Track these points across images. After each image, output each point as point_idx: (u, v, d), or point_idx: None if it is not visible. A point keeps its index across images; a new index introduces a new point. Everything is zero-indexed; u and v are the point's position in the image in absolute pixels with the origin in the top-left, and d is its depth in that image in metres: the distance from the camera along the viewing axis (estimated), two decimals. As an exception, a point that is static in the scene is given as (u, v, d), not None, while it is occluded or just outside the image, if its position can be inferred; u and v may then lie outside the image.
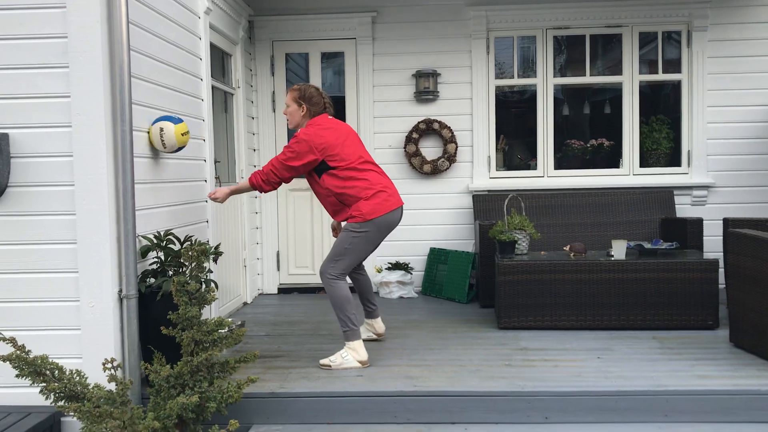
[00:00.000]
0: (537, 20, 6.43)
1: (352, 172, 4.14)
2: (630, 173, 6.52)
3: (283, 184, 4.26)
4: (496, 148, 6.60)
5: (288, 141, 6.67)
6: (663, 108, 6.67)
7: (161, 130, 3.98)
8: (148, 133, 4.02)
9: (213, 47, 5.41)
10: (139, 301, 3.65)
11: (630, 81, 6.47)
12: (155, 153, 4.10)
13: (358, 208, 4.13)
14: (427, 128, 6.45)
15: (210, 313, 4.88)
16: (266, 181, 4.19)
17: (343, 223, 4.44)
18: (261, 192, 4.28)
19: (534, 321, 4.93)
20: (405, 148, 6.47)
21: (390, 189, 4.24)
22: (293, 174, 4.18)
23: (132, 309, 3.60)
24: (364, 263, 4.64)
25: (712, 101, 6.38)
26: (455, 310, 5.76)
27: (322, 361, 4.16)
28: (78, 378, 3.13)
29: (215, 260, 4.66)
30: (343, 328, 4.19)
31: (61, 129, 3.55)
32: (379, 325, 4.73)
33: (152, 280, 3.82)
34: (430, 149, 6.53)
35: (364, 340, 4.63)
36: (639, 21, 6.41)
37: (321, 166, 4.15)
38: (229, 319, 4.32)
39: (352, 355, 4.14)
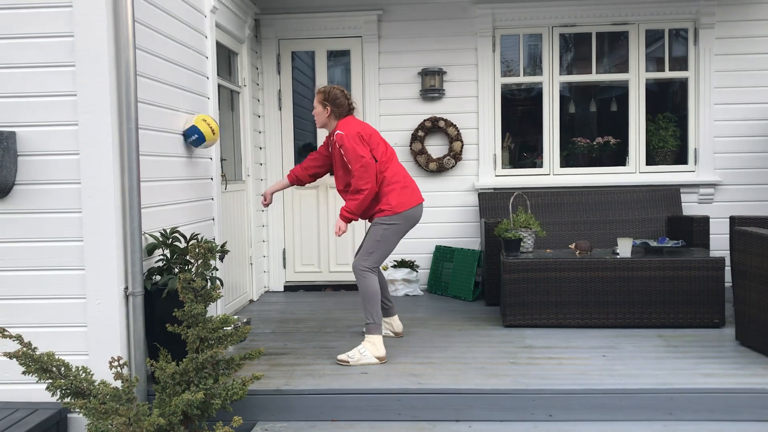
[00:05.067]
0: (543, 18, 6.42)
1: (383, 166, 4.34)
2: (636, 171, 6.50)
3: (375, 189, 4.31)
4: (502, 146, 6.60)
5: (294, 139, 6.72)
6: (670, 106, 6.65)
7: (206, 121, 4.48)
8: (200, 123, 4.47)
9: (219, 46, 5.42)
10: (145, 298, 3.67)
11: (636, 79, 6.46)
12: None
13: (387, 201, 4.32)
14: (433, 126, 6.45)
15: (216, 310, 4.90)
16: (365, 182, 4.23)
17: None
18: (358, 212, 4.31)
19: (539, 319, 4.92)
20: (411, 146, 6.48)
21: (414, 185, 4.46)
22: (373, 164, 4.22)
23: (138, 306, 3.62)
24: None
25: (719, 99, 6.36)
26: (460, 307, 5.76)
27: (340, 357, 4.19)
28: (84, 375, 3.15)
29: (221, 258, 4.68)
30: (367, 321, 4.27)
31: (67, 127, 3.57)
32: (397, 323, 4.77)
33: (158, 277, 3.84)
34: (435, 147, 6.54)
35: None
36: (645, 18, 6.39)
37: None
38: (235, 317, 4.34)
39: (370, 350, 4.17)
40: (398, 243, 4.44)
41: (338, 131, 4.30)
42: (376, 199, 4.35)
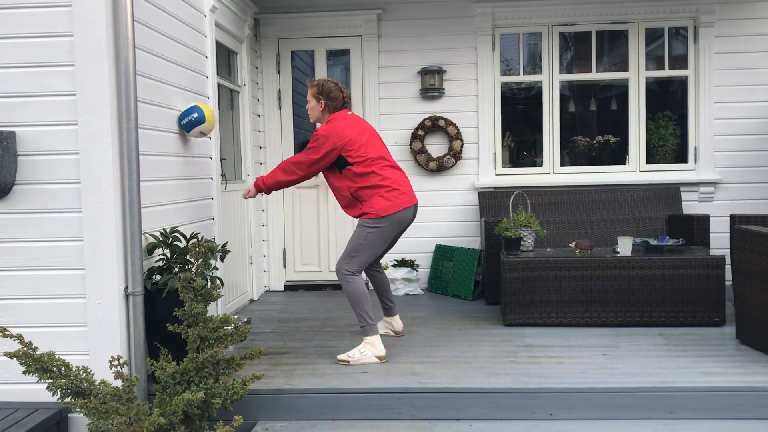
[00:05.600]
0: (543, 17, 6.42)
1: (368, 168, 4.19)
2: (636, 170, 6.50)
3: (298, 182, 4.31)
4: (502, 145, 6.60)
5: (294, 138, 6.72)
6: (670, 104, 6.65)
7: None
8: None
9: (219, 45, 5.42)
10: (145, 298, 3.67)
11: (636, 77, 6.45)
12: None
13: (371, 204, 4.18)
14: (433, 125, 6.45)
15: (216, 310, 4.90)
16: (285, 170, 4.24)
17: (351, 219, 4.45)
18: (272, 186, 4.31)
19: (539, 318, 4.92)
20: (411, 145, 6.48)
21: (404, 187, 4.28)
22: (315, 168, 4.23)
23: (138, 306, 3.62)
24: (380, 261, 4.66)
25: (719, 97, 6.35)
26: (461, 306, 5.76)
27: (340, 357, 4.17)
28: (84, 374, 3.15)
29: (222, 259, 4.67)
30: (360, 323, 4.21)
31: (67, 127, 3.57)
32: (397, 323, 4.75)
33: (158, 277, 3.84)
34: (435, 146, 6.53)
35: (381, 336, 4.66)
36: (645, 17, 6.39)
37: (339, 161, 4.21)
38: (235, 316, 4.34)
39: (370, 350, 4.16)
40: (385, 247, 4.31)
41: (320, 127, 4.22)
42: (360, 199, 4.22)
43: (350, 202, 4.30)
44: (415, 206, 4.34)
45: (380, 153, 4.27)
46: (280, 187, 4.31)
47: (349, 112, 4.35)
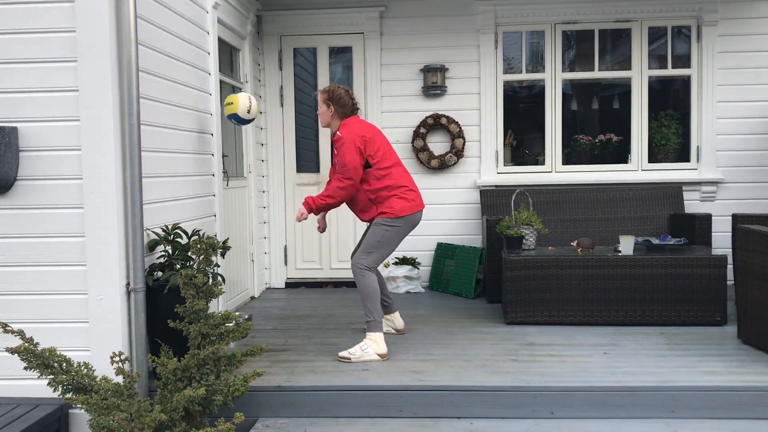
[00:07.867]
0: (546, 15, 6.41)
1: (386, 171, 4.32)
2: (638, 169, 6.49)
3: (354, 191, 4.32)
4: (504, 144, 6.59)
5: (296, 136, 6.71)
6: (672, 103, 6.64)
7: (250, 99, 4.82)
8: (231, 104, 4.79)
9: (221, 42, 5.41)
10: (147, 294, 3.67)
11: (639, 76, 6.44)
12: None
13: (390, 204, 4.30)
14: (435, 123, 6.44)
15: (217, 306, 4.90)
16: (342, 187, 4.25)
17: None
18: (322, 206, 4.33)
19: (541, 316, 4.92)
20: (412, 143, 6.47)
21: (417, 191, 4.43)
22: (357, 172, 4.24)
23: (139, 302, 3.62)
24: None
25: (721, 96, 6.34)
26: (462, 305, 5.76)
27: (341, 354, 4.18)
28: (86, 370, 3.15)
29: (223, 255, 4.67)
30: (367, 318, 4.27)
31: (69, 123, 3.57)
32: (398, 320, 4.78)
33: (160, 273, 3.84)
34: (437, 144, 6.53)
35: (383, 334, 4.66)
36: (648, 16, 6.37)
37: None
38: (236, 313, 4.34)
39: (372, 347, 4.18)
40: (398, 244, 4.40)
41: (338, 132, 4.31)
42: (377, 201, 4.33)
43: (365, 205, 4.39)
44: (422, 211, 4.46)
45: (393, 156, 4.40)
46: (331, 208, 4.38)
47: (359, 119, 4.45)
